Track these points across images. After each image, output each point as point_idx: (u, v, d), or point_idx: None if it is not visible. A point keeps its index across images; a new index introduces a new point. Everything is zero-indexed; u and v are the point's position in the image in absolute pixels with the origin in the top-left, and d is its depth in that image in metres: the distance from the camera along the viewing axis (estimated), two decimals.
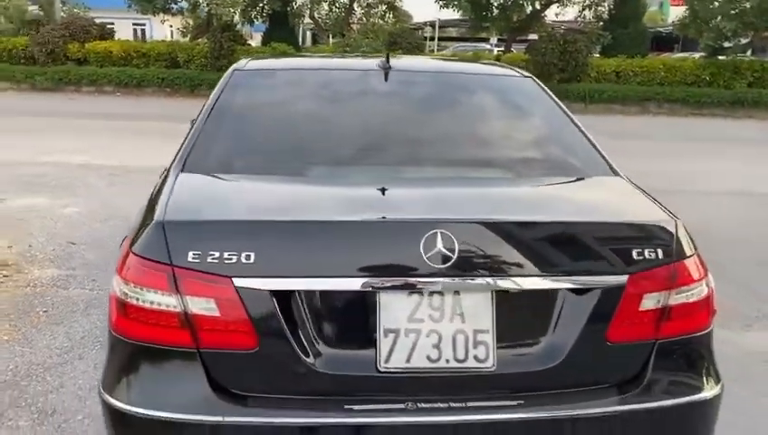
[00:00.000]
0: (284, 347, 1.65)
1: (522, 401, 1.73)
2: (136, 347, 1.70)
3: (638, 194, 2.10)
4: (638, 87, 17.83)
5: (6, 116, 12.57)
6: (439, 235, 1.67)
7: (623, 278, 1.76)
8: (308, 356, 1.66)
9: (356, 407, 1.67)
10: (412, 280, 1.68)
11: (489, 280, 1.71)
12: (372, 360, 1.68)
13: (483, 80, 2.83)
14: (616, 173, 2.27)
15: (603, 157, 2.35)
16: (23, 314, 3.79)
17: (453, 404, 1.70)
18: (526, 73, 2.84)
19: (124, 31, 30.39)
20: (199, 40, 19.83)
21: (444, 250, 1.66)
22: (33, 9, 21.94)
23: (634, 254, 1.78)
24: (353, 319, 1.72)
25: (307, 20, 21.68)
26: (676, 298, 1.82)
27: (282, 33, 19.51)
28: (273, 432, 1.65)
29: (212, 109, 2.38)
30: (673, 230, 1.86)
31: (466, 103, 2.61)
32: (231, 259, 1.64)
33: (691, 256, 1.87)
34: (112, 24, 23.47)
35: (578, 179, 2.24)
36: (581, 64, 17.97)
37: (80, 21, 18.97)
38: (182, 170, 2.10)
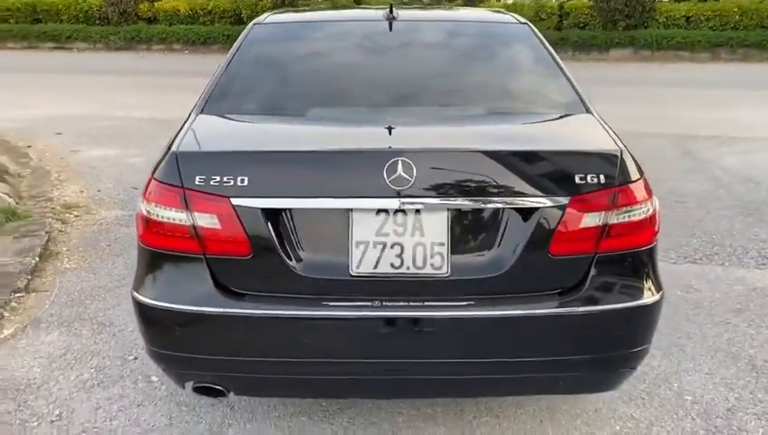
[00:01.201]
0: (272, 255, 2.01)
1: (471, 302, 2.04)
2: (156, 254, 2.11)
3: (599, 129, 2.32)
4: (709, 32, 17.12)
5: (82, 73, 13.41)
6: (400, 162, 1.98)
7: (564, 200, 2.03)
8: (292, 262, 2.02)
9: (331, 303, 2.03)
10: (378, 201, 2.00)
11: (445, 201, 2.01)
12: (346, 266, 2.02)
13: (477, 27, 3.07)
14: (588, 111, 2.50)
15: (580, 97, 2.57)
16: (89, 247, 4.34)
17: (412, 303, 2.03)
18: (522, 20, 3.05)
19: None
20: None
21: (404, 175, 1.97)
22: None
23: (576, 178, 2.04)
24: (330, 233, 2.05)
25: None
26: (617, 218, 2.07)
27: None
28: (264, 321, 2.03)
29: (231, 59, 2.73)
30: (616, 158, 2.10)
31: (458, 49, 2.88)
32: (229, 183, 2.00)
33: (635, 180, 2.11)
34: None
35: (547, 116, 2.48)
36: (648, 9, 17.39)
37: None
38: (201, 113, 2.48)
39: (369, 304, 2.02)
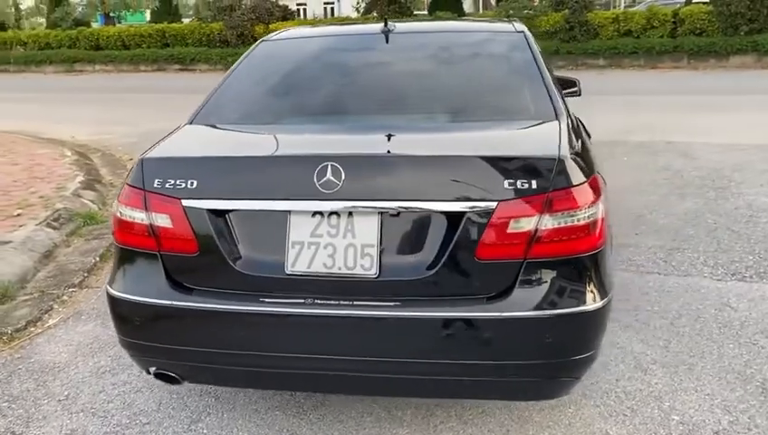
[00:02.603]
0: (216, 253, 2.17)
1: (398, 303, 2.09)
2: (124, 251, 2.33)
3: (552, 135, 2.28)
4: None
5: (200, 93, 14.41)
6: (329, 167, 2.08)
7: (492, 205, 2.04)
8: (233, 261, 2.17)
9: (267, 299, 2.15)
10: (312, 203, 2.11)
11: (375, 204, 2.09)
12: (282, 265, 2.14)
13: (469, 37, 3.10)
14: (557, 119, 2.47)
15: (553, 105, 2.54)
16: None
17: (342, 302, 2.11)
18: (520, 28, 3.05)
19: (317, 9, 32.47)
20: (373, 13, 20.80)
21: (332, 179, 2.07)
22: None
23: (505, 184, 2.05)
24: (269, 233, 2.18)
25: None
26: (551, 223, 2.05)
27: (445, 2, 19.83)
28: (207, 315, 2.18)
29: (230, 73, 2.95)
30: (552, 164, 2.08)
31: (443, 59, 2.92)
32: (181, 185, 2.19)
33: (574, 186, 2.08)
34: (304, 4, 25.20)
35: (508, 123, 2.48)
36: None
37: (264, 4, 20.83)
38: (189, 123, 2.70)
39: (302, 301, 2.13)
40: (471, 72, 2.86)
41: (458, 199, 2.06)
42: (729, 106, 10.49)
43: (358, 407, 2.70)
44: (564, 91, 4.63)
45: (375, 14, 19.79)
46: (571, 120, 2.62)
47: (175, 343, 2.24)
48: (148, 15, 34.41)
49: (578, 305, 2.08)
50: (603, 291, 2.16)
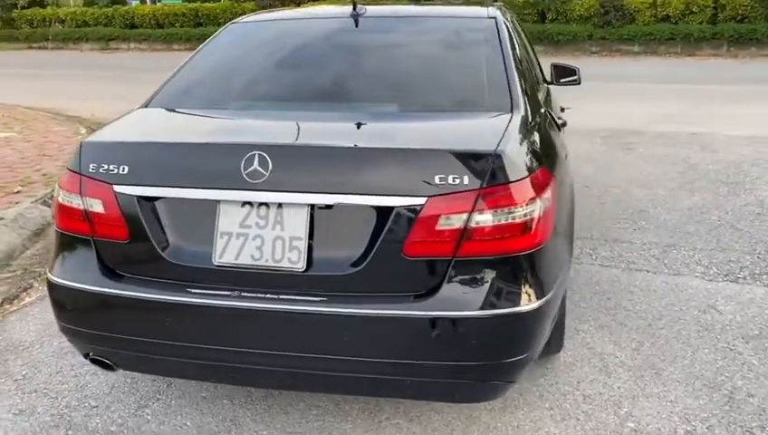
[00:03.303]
0: (146, 240, 2.14)
1: (324, 299, 2.03)
2: (62, 236, 2.31)
3: (497, 130, 2.17)
4: None
5: None
6: (256, 156, 2.02)
7: (421, 200, 1.96)
8: (162, 249, 2.14)
9: (194, 290, 2.11)
10: (240, 193, 2.06)
11: (303, 196, 2.03)
12: (210, 255, 2.10)
13: (438, 23, 2.99)
14: (510, 111, 2.36)
15: (511, 97, 2.43)
16: None
17: (269, 295, 2.07)
18: (492, 14, 2.93)
19: None
20: None
21: (259, 168, 2.02)
22: None
23: (436, 178, 1.96)
24: (198, 222, 2.14)
25: None
26: (483, 221, 1.96)
27: None
28: (136, 303, 2.16)
29: (192, 56, 2.91)
30: (488, 159, 1.98)
31: (407, 46, 2.83)
32: (113, 171, 2.16)
33: (511, 183, 1.99)
34: None
35: (456, 114, 2.39)
36: None
37: None
38: (144, 106, 2.67)
39: (229, 293, 2.09)
40: (430, 61, 2.75)
41: (388, 194, 1.99)
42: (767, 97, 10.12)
43: (307, 400, 2.66)
44: (563, 80, 4.50)
45: None
46: (533, 113, 2.51)
47: (106, 329, 2.22)
48: None
49: (509, 306, 2.00)
50: (540, 292, 2.07)
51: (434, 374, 2.04)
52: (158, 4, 23.44)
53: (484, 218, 1.97)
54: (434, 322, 1.97)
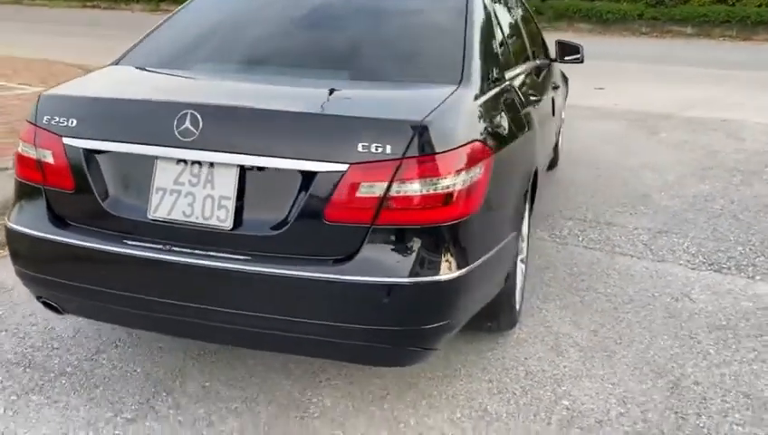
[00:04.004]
0: (89, 191, 2.24)
1: (248, 258, 2.10)
2: (20, 184, 2.43)
3: (431, 100, 2.18)
4: None
5: None
6: (189, 115, 2.09)
7: (343, 166, 2.00)
8: (103, 200, 2.23)
9: (129, 241, 2.20)
10: (173, 150, 2.13)
11: (233, 156, 2.09)
12: (146, 209, 2.19)
13: None
14: (459, 84, 2.36)
15: (463, 70, 2.43)
16: None
17: (197, 251, 2.14)
18: None
19: None
20: None
21: (190, 127, 2.08)
22: None
23: (359, 146, 1.99)
24: (137, 177, 2.22)
25: None
26: (403, 190, 1.99)
27: None
28: (78, 250, 2.26)
29: (167, 18, 2.98)
30: (414, 129, 2.00)
31: (372, 15, 2.83)
32: (63, 123, 2.26)
33: (435, 153, 2.00)
34: None
35: (402, 84, 2.39)
36: None
37: None
38: (114, 64, 2.76)
39: (161, 247, 2.17)
40: (390, 31, 2.75)
41: (312, 159, 2.02)
42: None
43: (256, 357, 2.74)
44: (567, 58, 4.43)
45: None
46: (488, 87, 2.50)
47: (53, 275, 2.34)
48: None
49: (426, 274, 2.03)
50: (462, 262, 2.09)
51: (351, 337, 2.09)
52: None
53: (405, 188, 1.99)
54: (351, 286, 2.02)
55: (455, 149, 2.06)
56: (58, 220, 2.32)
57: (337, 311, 2.07)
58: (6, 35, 14.04)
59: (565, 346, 2.91)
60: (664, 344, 2.93)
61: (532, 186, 3.08)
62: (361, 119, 2.06)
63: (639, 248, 3.99)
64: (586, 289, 3.45)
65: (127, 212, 2.22)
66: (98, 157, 2.24)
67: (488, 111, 2.42)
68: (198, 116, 2.08)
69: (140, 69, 2.69)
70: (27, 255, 2.39)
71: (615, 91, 9.45)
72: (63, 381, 2.58)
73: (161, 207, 2.16)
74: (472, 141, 2.16)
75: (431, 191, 2.01)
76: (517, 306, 2.97)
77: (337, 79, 2.47)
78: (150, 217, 2.18)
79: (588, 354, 2.84)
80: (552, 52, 4.66)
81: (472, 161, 2.12)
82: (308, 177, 2.03)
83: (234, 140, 2.09)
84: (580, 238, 4.13)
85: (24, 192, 2.42)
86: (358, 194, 2.00)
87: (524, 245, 3.11)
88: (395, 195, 2.00)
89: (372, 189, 1.99)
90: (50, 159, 2.28)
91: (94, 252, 2.24)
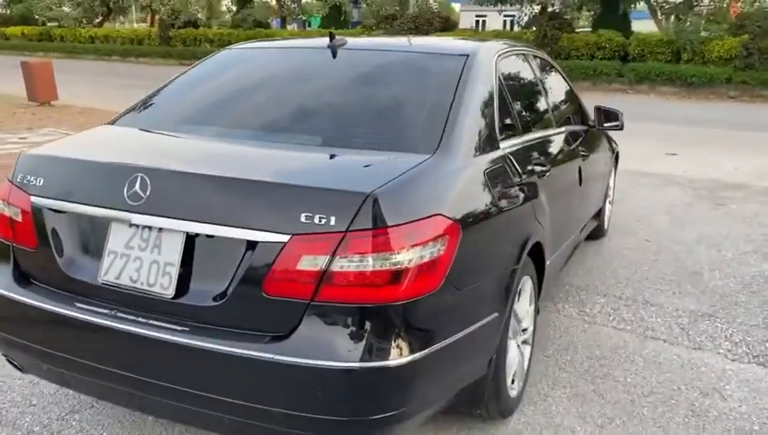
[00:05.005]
0: (48, 250, 2.22)
1: (187, 329, 1.99)
2: None
3: (389, 170, 2.05)
4: None
5: None
6: (139, 178, 2.04)
7: (285, 237, 1.88)
8: (61, 261, 2.20)
9: (80, 305, 2.15)
10: (124, 214, 2.08)
11: (180, 223, 2.01)
12: (97, 272, 2.14)
13: (407, 57, 2.87)
14: (433, 154, 2.22)
15: (441, 140, 2.29)
16: None
17: (140, 318, 2.06)
18: (465, 52, 2.77)
19: (467, 21, 32.51)
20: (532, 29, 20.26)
21: (138, 191, 2.03)
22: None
23: (302, 217, 1.87)
24: (93, 239, 2.18)
25: (641, 4, 20.35)
26: (344, 265, 1.85)
27: (611, 19, 18.77)
28: (34, 310, 2.22)
29: (174, 78, 3.01)
30: (358, 201, 1.86)
31: (360, 81, 2.74)
32: (33, 182, 2.27)
33: (380, 228, 1.85)
34: (484, 16, 25.23)
35: (371, 151, 2.26)
36: None
37: (425, 15, 21.02)
38: (109, 124, 2.79)
39: (107, 311, 2.10)
40: (375, 99, 2.63)
41: (256, 228, 1.92)
42: None
43: None
44: (606, 125, 4.21)
45: (534, 29, 19.24)
46: (468, 158, 2.33)
47: (12, 333, 2.31)
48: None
49: (371, 359, 1.85)
50: (417, 345, 1.91)
51: (292, 425, 1.93)
52: (308, 28, 24.69)
53: (348, 263, 1.85)
54: (285, 367, 1.87)
55: (409, 223, 1.91)
56: (22, 279, 2.31)
57: (275, 394, 1.92)
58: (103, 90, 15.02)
59: None
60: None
61: (537, 262, 2.86)
62: (307, 188, 1.95)
63: (675, 333, 3.63)
64: (603, 376, 3.13)
65: (80, 274, 2.18)
66: (59, 217, 2.23)
67: (463, 182, 2.25)
68: (147, 180, 2.03)
69: (127, 129, 2.70)
70: None
71: (688, 158, 8.99)
72: None
73: (111, 271, 2.11)
74: (433, 215, 2.00)
75: (378, 267, 1.85)
76: (514, 393, 2.71)
77: (308, 145, 2.38)
78: (101, 280, 2.12)
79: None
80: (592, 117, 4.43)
81: (431, 237, 1.95)
82: (251, 247, 1.93)
83: (181, 205, 2.02)
84: (611, 318, 3.81)
85: None
86: (298, 266, 1.87)
87: (528, 325, 2.87)
88: (337, 270, 1.85)
89: (314, 263, 1.86)
90: (18, 217, 2.29)
91: (47, 313, 2.20)
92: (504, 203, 2.43)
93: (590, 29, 20.55)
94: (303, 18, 32.01)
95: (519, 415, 2.78)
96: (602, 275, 4.49)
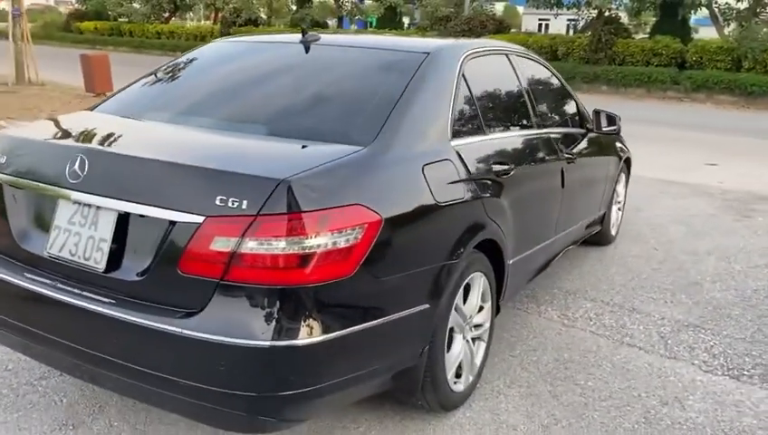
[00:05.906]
0: (6, 223, 2.39)
1: (114, 302, 2.12)
2: None
3: (309, 159, 2.14)
4: None
5: None
6: (78, 158, 2.18)
7: (199, 218, 1.98)
8: (15, 233, 2.36)
9: (27, 274, 2.31)
10: (67, 191, 2.22)
11: (112, 201, 2.14)
12: (44, 245, 2.29)
13: (367, 54, 2.92)
14: (366, 146, 2.28)
15: (378, 133, 2.35)
16: None
17: (75, 290, 2.19)
18: (426, 51, 2.81)
19: (530, 24, 32.13)
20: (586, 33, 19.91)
21: (77, 170, 2.17)
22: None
23: (217, 199, 1.97)
24: (44, 213, 2.33)
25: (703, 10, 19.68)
26: (253, 247, 1.93)
27: (671, 25, 18.25)
28: None
29: (161, 66, 3.17)
30: (269, 186, 1.95)
31: (318, 74, 2.82)
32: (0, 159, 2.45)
33: (295, 212, 1.93)
34: (548, 19, 24.99)
35: (307, 141, 2.33)
36: None
37: (480, 17, 20.92)
38: (90, 109, 2.96)
39: (49, 282, 2.25)
40: (330, 90, 2.71)
41: (177, 209, 2.03)
42: None
43: None
44: (604, 129, 4.19)
45: (589, 33, 18.90)
46: (408, 151, 2.38)
47: None
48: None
49: (275, 337, 1.92)
50: (328, 327, 1.99)
51: (201, 397, 2.02)
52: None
53: (256, 245, 1.93)
54: (194, 342, 1.97)
55: (323, 210, 1.98)
56: None
57: (186, 367, 2.02)
58: None
59: None
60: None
61: (495, 260, 2.87)
62: (223, 172, 2.04)
63: (653, 341, 3.56)
64: (564, 379, 3.12)
65: (31, 246, 2.33)
66: (17, 191, 2.39)
67: (394, 175, 2.30)
68: (86, 159, 2.16)
69: (98, 114, 2.85)
70: None
71: (728, 168, 8.71)
72: None
73: (55, 244, 2.26)
74: (352, 204, 2.06)
75: (287, 251, 1.93)
76: (460, 387, 2.74)
77: (250, 133, 2.47)
78: (46, 253, 2.27)
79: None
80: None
81: (346, 224, 2.02)
82: (172, 226, 2.04)
83: (113, 184, 2.15)
84: (592, 322, 3.77)
85: None
86: (211, 247, 1.97)
87: (481, 321, 2.89)
88: (246, 251, 1.94)
89: (225, 244, 1.95)
90: None
91: (3, 282, 2.36)
92: (442, 198, 2.46)
93: (648, 35, 20.05)
94: (362, 19, 32.36)
95: (465, 410, 2.80)
96: (596, 281, 4.43)
